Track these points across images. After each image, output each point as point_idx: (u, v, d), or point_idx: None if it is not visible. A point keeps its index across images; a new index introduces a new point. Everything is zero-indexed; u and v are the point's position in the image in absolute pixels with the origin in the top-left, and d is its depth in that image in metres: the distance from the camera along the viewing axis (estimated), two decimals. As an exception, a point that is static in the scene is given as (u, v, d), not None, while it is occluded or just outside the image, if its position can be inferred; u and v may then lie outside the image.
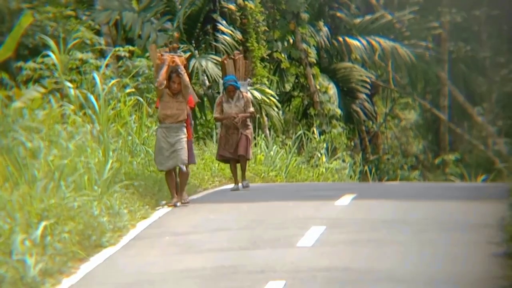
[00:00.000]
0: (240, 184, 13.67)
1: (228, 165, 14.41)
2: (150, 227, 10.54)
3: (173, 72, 11.16)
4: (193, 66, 19.82)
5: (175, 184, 11.61)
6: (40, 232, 8.60)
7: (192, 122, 12.41)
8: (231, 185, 14.08)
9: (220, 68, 17.37)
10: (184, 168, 11.50)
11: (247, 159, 13.59)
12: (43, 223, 8.80)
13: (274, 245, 8.95)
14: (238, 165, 13.67)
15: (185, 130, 11.40)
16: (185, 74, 11.25)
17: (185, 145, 11.36)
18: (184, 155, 11.32)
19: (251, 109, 13.42)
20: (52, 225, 9.00)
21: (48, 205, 9.43)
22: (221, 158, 13.68)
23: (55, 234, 8.88)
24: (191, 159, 11.90)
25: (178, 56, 11.40)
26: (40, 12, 18.85)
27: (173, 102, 11.25)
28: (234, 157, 13.36)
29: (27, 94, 13.28)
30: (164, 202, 12.10)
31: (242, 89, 13.33)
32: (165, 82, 11.15)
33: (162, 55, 11.28)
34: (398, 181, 26.30)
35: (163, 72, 11.10)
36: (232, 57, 13.76)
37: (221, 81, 13.95)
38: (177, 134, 11.28)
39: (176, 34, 13.28)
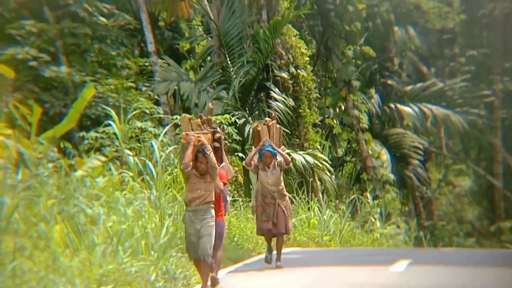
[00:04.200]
0: (274, 255, 12.43)
1: None
2: (205, 292, 10.59)
3: (199, 151, 10.26)
4: (248, 132, 20.18)
5: (208, 271, 10.28)
6: (99, 297, 8.79)
7: (228, 198, 11.47)
8: (290, 249, 13.54)
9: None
10: (208, 259, 10.31)
11: (286, 235, 12.48)
12: (102, 289, 8.98)
13: (328, 309, 8.95)
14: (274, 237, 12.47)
15: (212, 212, 10.30)
16: (211, 153, 10.29)
17: (212, 231, 10.24)
18: (207, 247, 10.16)
19: (286, 158, 12.24)
20: (110, 290, 9.18)
21: (106, 271, 9.59)
22: (261, 233, 12.55)
23: (113, 299, 9.05)
24: (220, 241, 10.74)
25: (204, 133, 10.53)
26: (102, 85, 19.48)
27: (200, 183, 10.23)
28: (271, 231, 12.24)
29: (89, 163, 13.60)
30: None
31: (278, 158, 12.28)
32: (191, 163, 10.24)
33: (187, 134, 10.45)
34: (454, 248, 25.92)
35: (189, 153, 10.24)
36: (266, 123, 12.63)
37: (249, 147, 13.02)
38: (204, 217, 10.20)
39: (210, 105, 12.46)
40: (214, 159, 10.25)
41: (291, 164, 12.73)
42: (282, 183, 12.29)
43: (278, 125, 12.63)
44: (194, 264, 10.47)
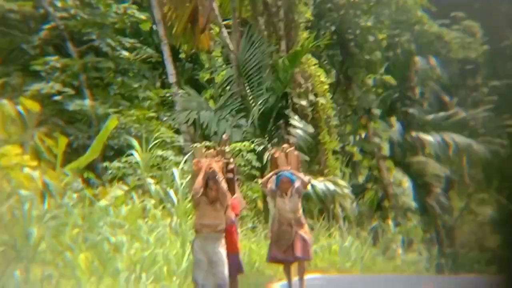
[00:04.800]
0: (295, 283, 11.55)
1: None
2: (227, 317, 10.67)
3: (210, 178, 10.06)
4: (267, 159, 20.34)
5: None
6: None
7: (239, 230, 11.20)
8: (311, 275, 12.92)
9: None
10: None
11: (306, 260, 11.55)
12: (125, 315, 9.15)
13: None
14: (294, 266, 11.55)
15: (223, 241, 10.03)
16: (222, 181, 10.11)
17: (225, 260, 9.94)
18: (224, 275, 9.86)
19: (303, 181, 11.57)
20: (133, 316, 9.33)
21: (130, 298, 9.76)
22: (272, 260, 11.65)
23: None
24: (239, 269, 10.44)
25: (217, 161, 10.41)
26: (125, 116, 19.83)
27: (210, 210, 9.98)
28: (287, 259, 11.42)
29: (112, 193, 13.86)
30: None
31: (296, 184, 11.53)
32: (201, 190, 10.03)
33: (198, 161, 10.35)
34: (475, 276, 25.76)
35: (200, 179, 10.08)
36: (283, 150, 11.96)
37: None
38: (214, 246, 9.90)
39: (224, 136, 12.41)
40: (224, 186, 10.06)
41: (309, 187, 12.47)
42: (301, 211, 11.62)
43: (296, 152, 12.17)
44: None
